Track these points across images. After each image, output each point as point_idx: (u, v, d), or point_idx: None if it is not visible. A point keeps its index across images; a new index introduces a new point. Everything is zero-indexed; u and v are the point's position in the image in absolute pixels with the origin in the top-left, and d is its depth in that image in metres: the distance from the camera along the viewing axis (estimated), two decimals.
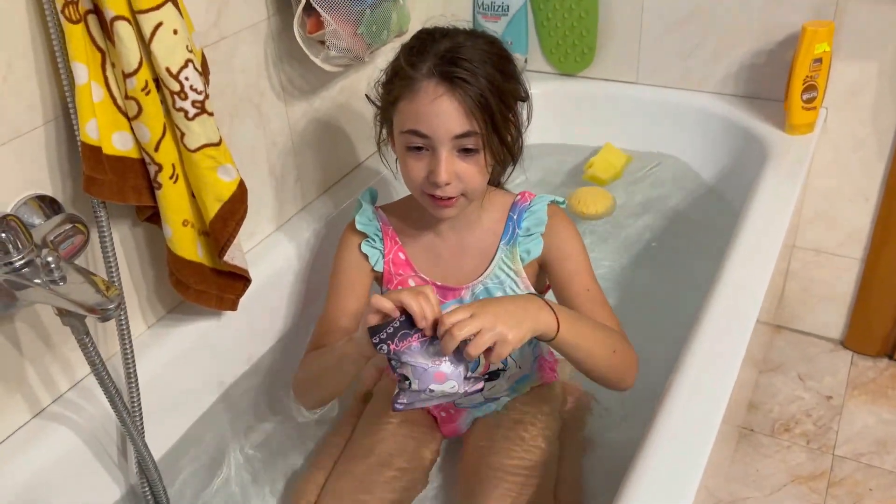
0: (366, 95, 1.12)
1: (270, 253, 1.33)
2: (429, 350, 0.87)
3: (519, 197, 1.16)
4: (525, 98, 1.11)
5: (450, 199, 1.03)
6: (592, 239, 1.70)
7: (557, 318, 0.94)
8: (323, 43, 1.21)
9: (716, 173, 1.71)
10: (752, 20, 1.61)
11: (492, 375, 1.16)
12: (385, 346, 0.86)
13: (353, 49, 1.23)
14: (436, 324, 0.88)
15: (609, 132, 1.82)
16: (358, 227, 1.17)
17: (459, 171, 1.01)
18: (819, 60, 1.46)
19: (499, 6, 1.78)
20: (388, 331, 0.86)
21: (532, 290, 1.15)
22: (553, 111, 1.85)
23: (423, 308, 0.87)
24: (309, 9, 1.18)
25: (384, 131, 1.12)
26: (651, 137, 1.78)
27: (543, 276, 1.18)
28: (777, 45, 1.60)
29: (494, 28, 1.81)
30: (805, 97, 1.49)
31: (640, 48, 1.76)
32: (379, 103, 1.09)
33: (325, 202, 1.45)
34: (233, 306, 1.16)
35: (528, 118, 1.13)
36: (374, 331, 0.87)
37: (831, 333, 1.85)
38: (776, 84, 1.62)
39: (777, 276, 1.35)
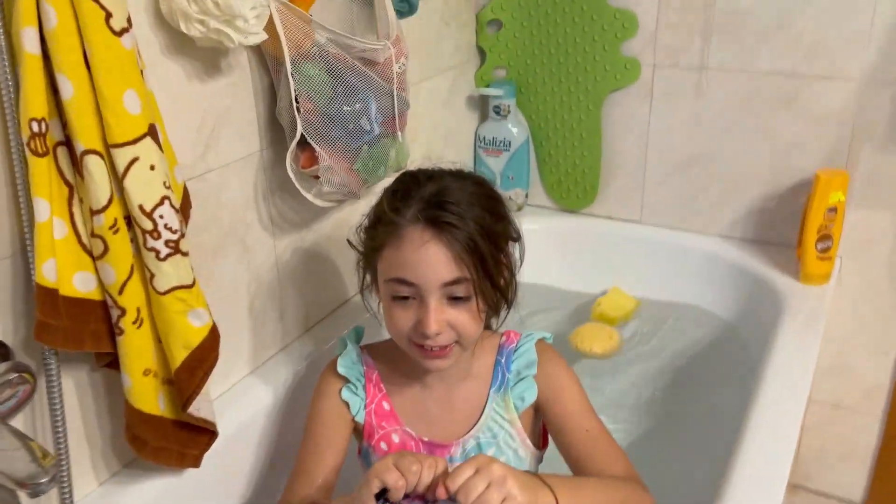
0: (348, 241, 1.06)
1: (243, 399, 1.22)
2: None
3: (504, 338, 1.08)
4: (517, 238, 1.04)
5: (442, 348, 0.95)
6: (592, 380, 1.59)
7: (556, 498, 0.85)
8: (317, 178, 1.14)
9: (728, 320, 1.62)
10: (759, 165, 1.57)
11: None
12: None
13: (347, 185, 1.17)
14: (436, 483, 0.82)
15: (615, 273, 1.74)
16: (340, 370, 1.07)
17: (451, 320, 0.94)
18: (834, 210, 1.40)
19: (501, 141, 1.74)
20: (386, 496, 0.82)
21: (528, 441, 1.06)
22: (555, 248, 1.78)
23: (399, 482, 0.82)
24: (303, 143, 1.12)
25: (367, 277, 1.04)
26: (658, 279, 1.70)
27: (539, 422, 1.08)
28: (787, 189, 1.55)
29: (496, 163, 1.77)
30: (820, 247, 1.42)
31: (644, 188, 1.72)
32: (362, 249, 1.02)
33: (307, 342, 1.35)
34: (195, 463, 1.04)
35: (521, 258, 1.05)
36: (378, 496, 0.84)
37: (852, 495, 1.72)
38: (787, 229, 1.56)
39: None
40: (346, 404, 1.06)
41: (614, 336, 1.61)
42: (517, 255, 1.04)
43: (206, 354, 0.95)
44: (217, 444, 1.08)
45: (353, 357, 1.09)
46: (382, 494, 0.82)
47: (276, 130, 1.18)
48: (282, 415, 1.26)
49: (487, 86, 1.73)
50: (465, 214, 0.92)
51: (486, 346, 1.07)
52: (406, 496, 0.83)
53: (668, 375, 1.60)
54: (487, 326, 1.07)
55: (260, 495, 1.23)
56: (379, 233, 0.95)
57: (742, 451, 1.04)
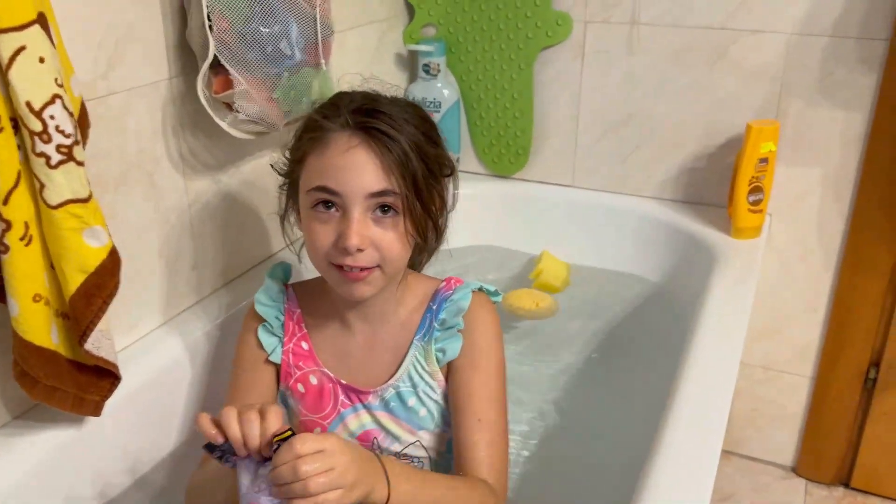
0: (271, 165, 0.98)
1: (154, 350, 1.12)
2: (259, 472, 0.72)
3: (444, 284, 1.01)
4: (451, 173, 0.97)
5: (362, 270, 0.87)
6: (532, 340, 1.54)
7: (389, 493, 0.77)
8: (231, 106, 1.06)
9: (661, 283, 1.60)
10: (692, 123, 1.55)
11: None
12: (229, 459, 0.73)
13: (266, 116, 1.08)
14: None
15: (546, 238, 1.70)
16: (256, 307, 1.00)
17: (375, 238, 0.86)
18: (765, 160, 1.39)
19: (430, 102, 1.69)
20: (224, 446, 0.73)
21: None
22: (486, 214, 1.73)
23: (244, 435, 0.72)
24: (217, 66, 1.04)
25: (289, 203, 0.96)
26: (591, 243, 1.67)
27: None
28: (718, 148, 1.54)
29: None
30: (751, 199, 1.41)
31: (576, 150, 1.68)
32: (284, 170, 0.94)
33: (226, 295, 1.26)
34: (95, 411, 0.94)
35: (454, 201, 0.99)
36: (211, 446, 0.74)
37: (783, 459, 1.71)
38: (718, 190, 1.55)
39: None
40: (262, 344, 0.99)
41: (548, 298, 1.57)
42: (450, 196, 0.98)
43: (104, 280, 0.86)
44: (127, 395, 0.99)
45: (273, 294, 1.01)
46: (222, 448, 0.73)
47: (187, 56, 1.10)
48: (197, 367, 1.16)
49: (417, 43, 1.67)
50: (400, 129, 0.86)
51: (420, 291, 1.00)
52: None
53: (603, 339, 1.56)
54: (411, 267, 1.01)
55: (181, 452, 1.12)
56: (303, 142, 0.88)
57: (673, 418, 0.97)
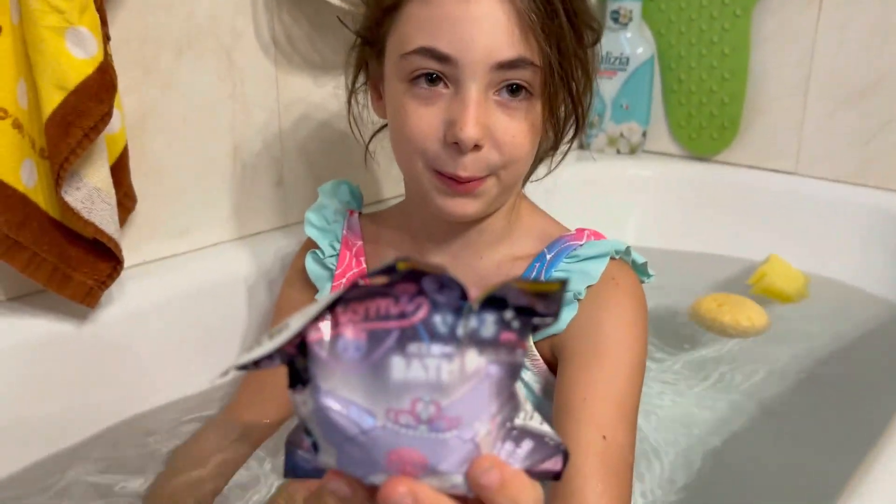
0: (337, 17, 0.75)
1: (212, 263, 0.92)
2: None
3: (573, 232, 0.70)
4: (598, 39, 0.68)
5: (474, 180, 0.62)
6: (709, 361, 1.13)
7: None
8: None
9: None
10: None
11: None
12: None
13: None
14: None
15: (758, 240, 1.30)
16: (305, 229, 0.78)
17: (498, 130, 0.61)
18: None
19: (616, 58, 1.38)
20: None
21: (541, 361, 0.68)
22: (677, 204, 1.38)
23: None
24: None
25: (364, 72, 0.72)
26: (820, 249, 1.25)
27: None
28: None
29: (608, 86, 1.41)
30: None
31: (802, 126, 1.29)
32: (361, 22, 0.70)
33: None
34: (86, 298, 0.74)
35: (596, 67, 0.69)
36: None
37: None
38: None
39: None
40: (310, 279, 0.78)
41: (763, 314, 1.14)
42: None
43: (87, 104, 0.65)
44: (151, 303, 0.80)
45: (329, 215, 0.79)
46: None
47: None
48: (256, 295, 0.94)
49: None
50: None
51: (535, 228, 0.72)
52: None
53: (817, 366, 1.12)
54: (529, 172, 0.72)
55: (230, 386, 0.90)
56: None
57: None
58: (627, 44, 1.37)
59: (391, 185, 1.12)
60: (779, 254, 1.27)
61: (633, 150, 1.43)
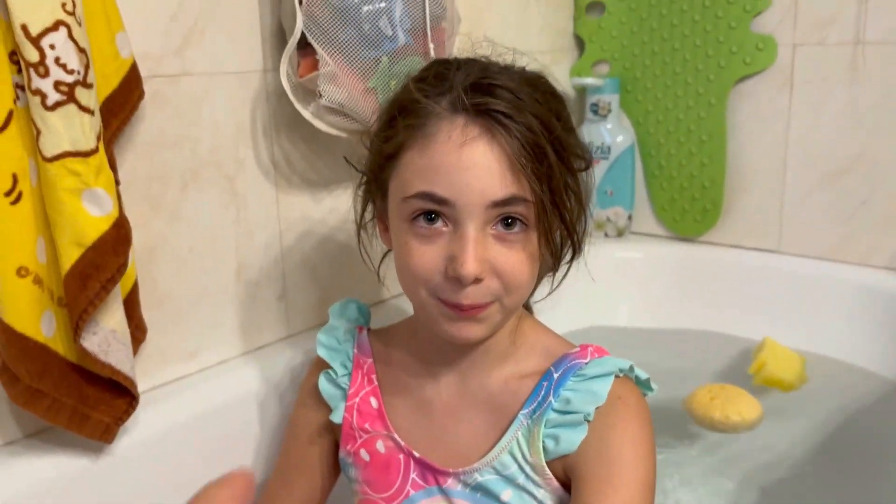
0: (344, 158, 0.79)
1: (222, 381, 0.94)
2: None
3: (577, 349, 0.73)
4: (587, 165, 0.72)
5: (477, 307, 0.64)
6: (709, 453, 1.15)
7: None
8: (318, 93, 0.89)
9: None
10: None
11: None
12: None
13: (356, 106, 0.90)
14: None
15: (744, 318, 1.34)
16: (318, 350, 0.81)
17: (497, 262, 0.64)
18: None
19: (598, 147, 1.44)
20: None
21: (562, 490, 0.70)
22: (664, 285, 1.42)
23: None
24: (306, 46, 0.88)
25: (371, 207, 0.76)
26: (804, 327, 1.28)
27: None
28: None
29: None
30: None
31: (782, 206, 1.34)
32: (366, 163, 0.74)
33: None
34: (104, 435, 0.76)
35: (589, 194, 0.73)
36: None
37: None
38: None
39: None
40: (322, 399, 0.80)
41: (757, 407, 1.16)
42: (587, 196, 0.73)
43: (104, 259, 0.68)
44: (161, 429, 0.81)
45: (340, 335, 0.82)
46: None
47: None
48: (266, 411, 0.96)
49: (583, 77, 1.45)
50: (524, 107, 0.63)
51: (539, 345, 0.75)
52: None
53: (817, 455, 1.14)
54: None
55: None
56: (398, 130, 0.66)
57: None
58: (608, 133, 1.43)
59: (394, 284, 1.15)
60: (770, 332, 1.29)
61: (620, 233, 1.47)
